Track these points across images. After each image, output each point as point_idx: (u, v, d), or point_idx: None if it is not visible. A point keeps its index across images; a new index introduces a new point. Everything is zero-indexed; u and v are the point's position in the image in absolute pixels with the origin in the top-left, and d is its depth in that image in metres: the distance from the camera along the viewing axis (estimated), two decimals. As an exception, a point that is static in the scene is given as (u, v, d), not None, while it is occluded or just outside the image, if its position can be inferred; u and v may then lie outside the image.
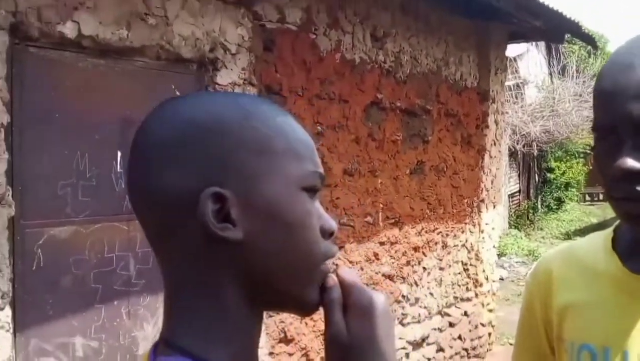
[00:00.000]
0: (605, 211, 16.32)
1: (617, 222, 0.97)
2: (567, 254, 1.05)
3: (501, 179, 5.46)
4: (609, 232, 0.99)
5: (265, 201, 0.61)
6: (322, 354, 3.45)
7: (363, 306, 0.64)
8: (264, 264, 0.61)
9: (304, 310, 0.66)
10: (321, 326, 3.31)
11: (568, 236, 12.00)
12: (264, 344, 2.97)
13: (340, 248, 3.52)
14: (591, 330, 0.94)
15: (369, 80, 3.65)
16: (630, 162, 0.79)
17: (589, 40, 4.76)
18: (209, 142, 0.60)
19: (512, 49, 9.50)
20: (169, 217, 0.60)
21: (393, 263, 3.94)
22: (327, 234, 0.65)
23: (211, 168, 0.59)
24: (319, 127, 3.30)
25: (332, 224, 0.65)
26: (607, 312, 0.93)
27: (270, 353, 3.05)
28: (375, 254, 3.80)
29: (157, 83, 2.63)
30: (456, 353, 4.69)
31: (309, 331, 3.33)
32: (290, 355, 3.20)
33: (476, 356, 4.91)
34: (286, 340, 3.17)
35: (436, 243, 4.35)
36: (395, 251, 3.97)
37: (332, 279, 0.65)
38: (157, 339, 0.64)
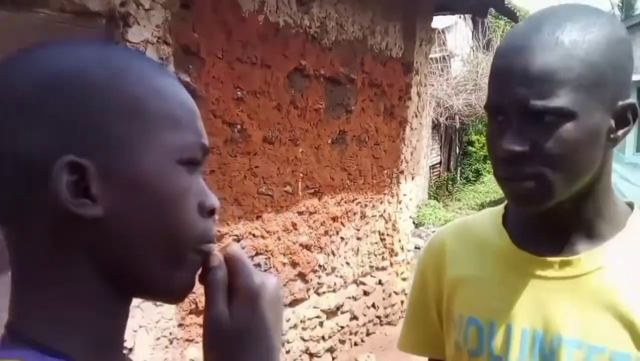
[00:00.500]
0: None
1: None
2: (461, 229, 1.08)
3: (421, 151, 5.54)
4: (500, 208, 1.02)
5: (133, 174, 0.53)
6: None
7: (251, 290, 0.59)
8: (126, 247, 0.54)
9: (171, 296, 0.60)
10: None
11: (483, 206, 12.50)
12: (173, 315, 2.88)
13: (258, 217, 3.46)
14: (479, 304, 0.96)
15: (293, 45, 3.54)
16: (513, 144, 0.81)
17: (511, 15, 4.85)
18: (68, 103, 0.51)
19: (440, 21, 9.60)
20: (17, 188, 0.51)
21: (311, 232, 3.92)
22: (207, 212, 0.58)
23: (70, 133, 0.51)
24: (239, 93, 3.18)
25: (213, 201, 0.59)
26: (494, 287, 0.96)
27: (180, 325, 2.97)
28: (294, 224, 3.76)
29: (61, 38, 2.42)
30: (369, 321, 4.78)
31: (221, 301, 3.26)
32: (202, 325, 3.13)
33: (388, 323, 5.04)
34: (197, 311, 3.09)
35: (355, 213, 4.37)
36: (314, 221, 3.95)
37: (217, 259, 0.60)
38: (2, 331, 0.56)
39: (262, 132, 3.39)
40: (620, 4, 24.36)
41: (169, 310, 2.83)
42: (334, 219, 4.14)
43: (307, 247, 3.89)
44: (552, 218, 0.90)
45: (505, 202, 1.00)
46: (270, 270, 3.57)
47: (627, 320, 0.85)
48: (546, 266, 0.91)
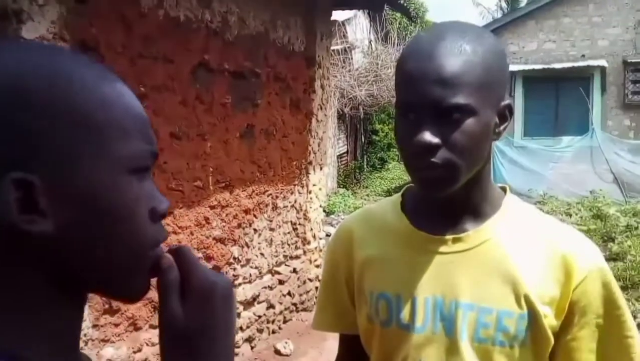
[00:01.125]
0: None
1: (406, 187, 1.13)
2: (365, 216, 1.20)
3: (327, 142, 5.69)
4: (397, 196, 1.15)
5: (83, 188, 0.52)
6: (151, 322, 3.39)
7: (204, 290, 0.59)
8: (80, 259, 0.54)
9: (130, 298, 0.61)
10: (149, 294, 3.23)
11: (389, 192, 12.96)
12: (87, 316, 2.83)
13: (170, 213, 3.44)
14: (386, 280, 1.08)
15: (195, 40, 3.54)
16: (429, 137, 0.93)
17: (405, 11, 5.10)
18: (10, 114, 0.50)
19: (340, 14, 9.82)
20: None
21: (224, 226, 3.95)
22: (158, 216, 0.59)
23: (13, 147, 0.50)
24: (142, 88, 3.14)
25: (163, 205, 0.59)
26: (398, 264, 1.08)
27: (95, 326, 2.92)
28: (206, 219, 3.77)
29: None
30: (285, 309, 4.88)
31: (136, 299, 3.23)
32: (117, 325, 3.09)
33: (304, 309, 5.16)
34: (111, 311, 3.05)
35: (267, 205, 4.44)
36: (227, 215, 3.97)
37: (168, 260, 0.60)
38: None
39: (168, 127, 3.37)
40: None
41: (81, 313, 2.78)
42: (246, 211, 4.19)
43: (220, 240, 3.92)
44: (445, 202, 1.03)
45: (403, 190, 1.15)
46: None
47: (510, 283, 0.99)
48: (441, 243, 1.04)
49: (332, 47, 5.59)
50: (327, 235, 7.47)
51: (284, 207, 4.73)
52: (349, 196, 11.61)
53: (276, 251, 4.70)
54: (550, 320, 0.99)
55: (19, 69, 0.51)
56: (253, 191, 4.24)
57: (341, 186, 12.71)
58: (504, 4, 25.67)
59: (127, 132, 0.55)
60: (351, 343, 1.19)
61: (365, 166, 14.73)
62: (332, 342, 4.56)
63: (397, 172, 15.92)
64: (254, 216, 4.29)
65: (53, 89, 0.51)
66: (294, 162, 4.81)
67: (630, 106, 11.31)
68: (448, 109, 0.92)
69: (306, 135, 4.93)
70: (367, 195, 12.50)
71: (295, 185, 4.87)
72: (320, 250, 5.44)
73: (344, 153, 13.69)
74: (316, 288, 5.34)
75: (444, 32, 0.96)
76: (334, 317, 1.22)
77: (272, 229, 4.58)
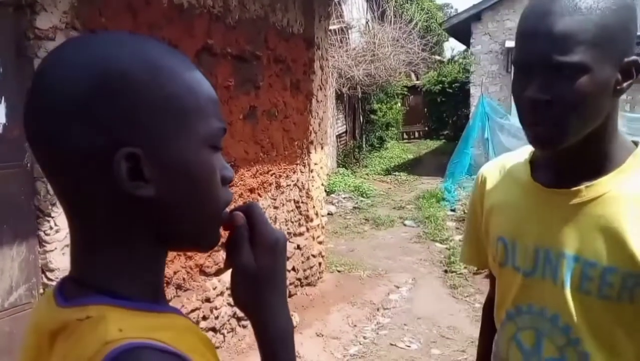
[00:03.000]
0: (419, 147, 17.97)
1: None
2: (499, 164, 1.28)
3: (327, 122, 5.81)
4: (531, 148, 1.20)
5: (175, 159, 0.64)
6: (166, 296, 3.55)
7: (271, 242, 0.74)
8: (174, 217, 0.66)
9: (208, 248, 0.74)
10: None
11: (388, 171, 13.09)
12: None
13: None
14: (504, 226, 1.19)
15: (198, 25, 3.65)
16: (538, 93, 0.98)
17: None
18: (116, 102, 0.60)
19: (336, -5, 9.84)
20: (80, 174, 0.62)
21: (231, 205, 4.08)
22: (227, 182, 0.71)
23: (122, 127, 0.60)
24: (149, 74, 3.26)
25: (230, 173, 0.72)
26: (515, 212, 1.17)
27: None
28: (213, 198, 3.91)
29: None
30: (290, 283, 5.05)
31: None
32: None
33: (308, 284, 5.33)
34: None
35: (270, 184, 4.58)
36: (233, 194, 4.11)
37: (241, 217, 0.75)
38: (62, 280, 0.69)
39: (175, 111, 3.50)
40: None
41: None
42: (251, 190, 4.33)
43: (227, 219, 4.06)
44: (562, 156, 1.07)
45: None
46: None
47: (618, 240, 1.01)
48: (555, 196, 1.10)
49: (329, 28, 5.68)
50: (329, 213, 7.63)
51: (287, 186, 4.87)
52: (348, 176, 11.74)
53: (280, 229, 4.85)
54: None
55: (119, 58, 0.61)
56: (257, 171, 4.38)
57: (341, 165, 12.82)
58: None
59: (207, 113, 0.67)
60: (494, 278, 1.30)
61: (364, 146, 14.82)
62: (335, 315, 4.74)
63: (395, 151, 16.02)
64: (259, 195, 4.44)
65: (149, 76, 0.62)
66: (296, 142, 4.94)
67: (625, 80, 11.39)
68: (559, 67, 0.95)
69: (307, 115, 5.05)
70: (367, 174, 12.62)
71: (297, 164, 5.01)
72: (323, 227, 5.60)
73: (342, 133, 13.78)
74: (319, 263, 5.51)
75: None
76: (474, 253, 1.37)
77: (276, 208, 4.73)
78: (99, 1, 2.95)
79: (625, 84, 1.01)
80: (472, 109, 12.13)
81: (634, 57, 1.00)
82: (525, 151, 1.22)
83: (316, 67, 5.09)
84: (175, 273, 3.58)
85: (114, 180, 0.60)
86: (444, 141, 18.67)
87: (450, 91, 17.63)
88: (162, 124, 0.62)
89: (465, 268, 5.98)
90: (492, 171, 1.28)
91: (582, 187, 1.07)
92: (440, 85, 17.89)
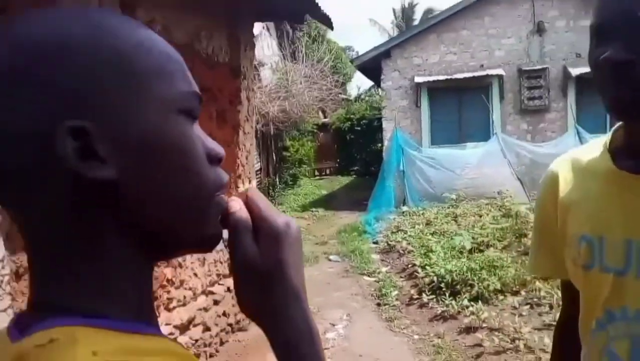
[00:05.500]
0: (332, 183, 18.15)
1: (615, 126, 1.09)
2: (571, 159, 1.17)
3: (254, 155, 5.60)
4: (607, 135, 1.10)
5: (136, 130, 0.52)
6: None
7: (279, 231, 0.60)
8: (147, 204, 0.53)
9: (206, 246, 0.60)
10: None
11: (305, 208, 13.02)
12: None
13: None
14: (586, 222, 1.06)
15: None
16: (619, 53, 0.89)
17: (327, 21, 5.13)
18: (58, 69, 0.49)
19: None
20: (23, 161, 0.50)
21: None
22: (215, 160, 0.59)
23: (64, 99, 0.49)
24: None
25: (219, 149, 0.60)
26: (598, 205, 1.06)
27: None
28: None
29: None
30: (222, 330, 4.71)
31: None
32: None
33: (240, 329, 5.01)
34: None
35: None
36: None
37: (237, 202, 0.61)
38: (17, 314, 0.54)
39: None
40: (402, 16, 26.98)
41: None
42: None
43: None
44: None
45: (612, 129, 1.10)
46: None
47: None
48: None
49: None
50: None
51: (216, 223, 4.58)
52: (266, 213, 11.49)
53: (209, 270, 4.53)
54: None
55: (63, 28, 0.51)
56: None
57: (257, 203, 12.56)
58: (399, 22, 26.86)
59: (167, 74, 0.55)
60: (570, 289, 1.15)
61: (278, 183, 14.72)
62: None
63: (309, 188, 16.06)
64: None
65: (93, 38, 0.51)
66: (223, 177, 4.68)
67: (526, 111, 12.08)
68: None
69: (234, 148, 4.82)
70: (284, 211, 12.39)
71: (225, 200, 4.74)
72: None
73: (257, 170, 13.60)
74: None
75: None
76: (547, 261, 1.21)
77: (205, 247, 4.41)
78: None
79: None
80: (386, 142, 12.38)
81: None
82: (598, 142, 1.12)
83: (243, 98, 4.90)
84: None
85: (59, 161, 0.48)
86: (354, 176, 19.04)
87: (359, 128, 18.04)
88: (113, 90, 0.51)
89: (397, 299, 5.90)
90: (563, 166, 1.17)
91: None
92: (349, 122, 18.29)
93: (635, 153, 1.02)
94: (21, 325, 0.52)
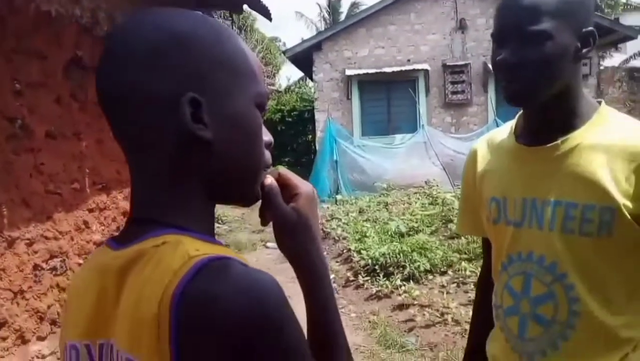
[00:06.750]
0: (264, 174, 18.12)
1: (520, 112, 1.34)
2: (487, 138, 1.45)
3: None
4: (514, 119, 1.37)
5: (230, 110, 0.71)
6: (39, 333, 3.17)
7: (309, 194, 0.82)
8: (225, 163, 0.72)
9: (250, 201, 0.79)
10: (35, 305, 3.03)
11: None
12: None
13: (49, 218, 3.25)
14: (495, 187, 1.34)
15: (67, 35, 3.39)
16: (508, 56, 1.16)
17: (264, 11, 5.25)
18: (187, 55, 0.68)
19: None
20: (149, 116, 0.69)
21: (104, 230, 3.80)
22: (267, 145, 0.79)
23: (189, 78, 0.68)
24: (17, 85, 2.96)
25: (271, 139, 0.80)
26: (504, 173, 1.33)
27: None
28: (85, 222, 3.61)
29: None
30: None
31: (21, 311, 3.01)
32: (4, 338, 2.86)
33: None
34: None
35: (144, 206, 4.34)
36: (105, 218, 3.83)
37: (270, 178, 0.81)
38: (110, 237, 0.74)
39: (44, 126, 3.20)
40: (328, 9, 27.19)
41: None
42: (124, 214, 4.06)
43: (101, 245, 3.76)
44: (540, 117, 1.24)
45: (517, 116, 1.35)
46: (66, 273, 3.39)
47: (593, 181, 1.16)
48: (536, 153, 1.25)
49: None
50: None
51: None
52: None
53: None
54: (635, 211, 1.13)
55: (193, 27, 0.70)
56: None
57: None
58: (325, 15, 27.07)
59: (256, 76, 0.75)
60: (488, 245, 1.43)
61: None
62: None
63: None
64: (133, 218, 4.17)
65: (212, 37, 0.71)
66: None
67: (450, 105, 12.66)
68: (526, 34, 1.13)
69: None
70: (217, 202, 12.44)
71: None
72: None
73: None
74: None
75: None
76: (470, 221, 1.49)
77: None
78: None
79: (584, 51, 1.19)
80: (319, 133, 12.62)
81: (591, 28, 1.19)
82: (508, 124, 1.39)
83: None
84: (49, 306, 3.22)
85: (179, 121, 0.67)
86: (286, 167, 18.99)
87: (290, 119, 18.14)
88: (221, 78, 0.70)
89: (334, 282, 6.14)
90: (481, 145, 1.45)
91: (558, 142, 1.22)
92: (280, 114, 18.34)
93: (530, 131, 1.29)
94: (119, 240, 0.72)
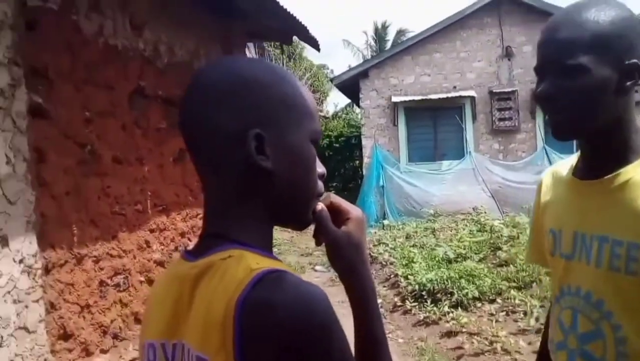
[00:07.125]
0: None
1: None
2: (553, 170, 1.47)
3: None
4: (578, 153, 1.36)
5: (289, 145, 0.82)
6: (102, 347, 3.34)
7: (360, 218, 0.91)
8: (283, 190, 0.83)
9: (304, 225, 0.89)
10: (99, 319, 3.20)
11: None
12: (45, 342, 2.77)
13: (114, 237, 3.44)
14: (553, 219, 1.36)
15: (132, 67, 3.63)
16: (546, 89, 1.20)
17: (313, 42, 5.45)
18: (255, 96, 0.80)
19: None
20: (220, 146, 0.80)
21: (163, 249, 3.98)
22: (321, 176, 0.89)
23: (255, 115, 0.80)
24: (87, 114, 3.18)
25: (324, 170, 0.90)
26: (560, 206, 1.35)
27: (52, 351, 2.86)
28: (147, 242, 3.80)
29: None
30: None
31: (87, 325, 3.19)
32: (70, 350, 3.03)
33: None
34: (65, 336, 2.99)
35: (199, 228, 4.50)
36: (164, 238, 4.01)
37: (321, 205, 0.90)
38: (184, 250, 0.86)
39: (111, 152, 3.41)
40: (374, 37, 27.48)
41: (41, 337, 2.73)
42: (182, 234, 4.25)
43: (160, 264, 3.94)
44: (590, 149, 1.26)
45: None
46: (128, 289, 3.57)
47: (638, 218, 1.14)
48: (589, 187, 1.25)
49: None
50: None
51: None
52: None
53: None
54: None
55: (260, 72, 0.82)
56: (187, 214, 4.31)
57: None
58: (372, 43, 27.36)
59: (312, 115, 0.86)
60: None
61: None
62: None
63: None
64: (189, 239, 4.35)
65: (274, 81, 0.82)
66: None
67: (497, 131, 12.58)
68: (563, 67, 1.16)
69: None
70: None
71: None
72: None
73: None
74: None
75: (571, 7, 1.21)
76: (536, 252, 1.50)
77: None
78: (40, 39, 2.87)
79: (628, 84, 1.17)
80: (366, 159, 12.73)
81: (633, 61, 1.15)
82: (574, 156, 1.39)
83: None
84: (112, 321, 3.40)
85: (246, 153, 0.78)
86: (333, 192, 19.11)
87: (337, 145, 18.33)
88: (281, 116, 0.81)
89: (381, 307, 6.16)
90: (547, 176, 1.47)
91: (609, 176, 1.21)
92: (328, 139, 18.55)
93: (584, 164, 1.30)
94: (194, 253, 0.82)
